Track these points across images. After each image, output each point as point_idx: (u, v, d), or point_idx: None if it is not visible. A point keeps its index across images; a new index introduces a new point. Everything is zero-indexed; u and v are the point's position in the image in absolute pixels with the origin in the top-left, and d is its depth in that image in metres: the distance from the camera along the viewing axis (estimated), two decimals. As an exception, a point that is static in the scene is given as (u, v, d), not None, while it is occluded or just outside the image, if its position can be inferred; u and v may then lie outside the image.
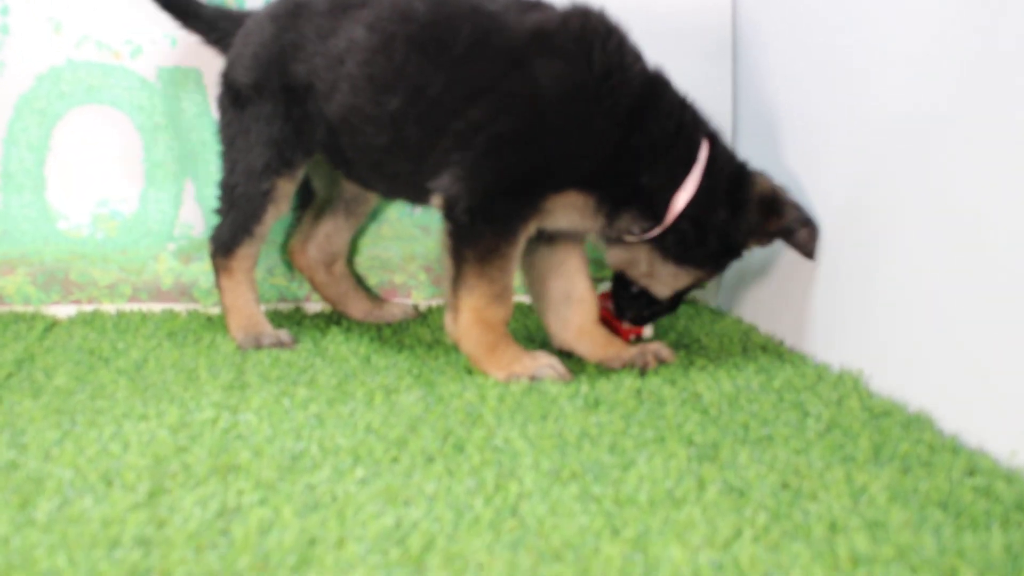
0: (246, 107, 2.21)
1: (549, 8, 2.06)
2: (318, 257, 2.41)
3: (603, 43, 1.99)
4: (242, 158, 2.21)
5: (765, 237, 2.10)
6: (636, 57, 2.02)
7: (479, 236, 1.96)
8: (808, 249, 2.08)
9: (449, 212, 1.97)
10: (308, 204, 2.42)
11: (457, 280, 1.97)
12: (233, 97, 2.23)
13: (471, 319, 1.97)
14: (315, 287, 2.45)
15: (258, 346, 2.20)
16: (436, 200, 1.99)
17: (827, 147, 2.12)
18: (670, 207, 2.02)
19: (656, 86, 2.03)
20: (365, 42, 2.07)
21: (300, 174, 2.23)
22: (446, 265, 1.99)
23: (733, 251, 2.11)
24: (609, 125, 1.97)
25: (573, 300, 2.12)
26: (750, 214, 2.06)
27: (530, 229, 2.00)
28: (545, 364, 1.97)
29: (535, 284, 2.16)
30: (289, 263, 2.51)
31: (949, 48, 1.74)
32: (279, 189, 2.21)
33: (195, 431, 1.67)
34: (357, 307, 2.44)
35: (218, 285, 2.27)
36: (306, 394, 1.86)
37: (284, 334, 2.23)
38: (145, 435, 1.64)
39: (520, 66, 1.98)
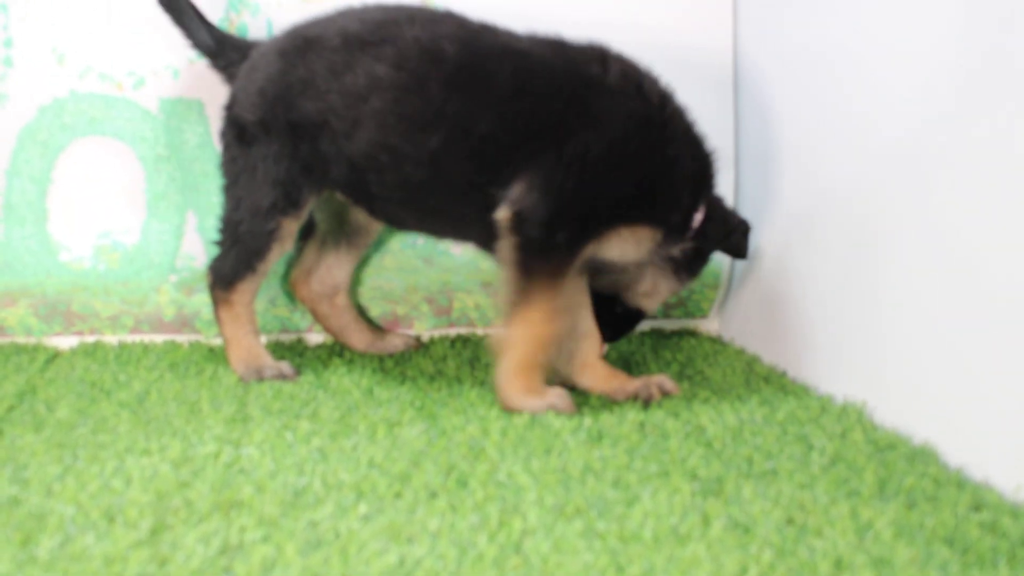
0: (252, 145, 2.19)
1: (572, 46, 2.07)
2: (320, 289, 2.41)
3: (646, 77, 2.05)
4: (247, 196, 2.20)
5: None
6: None
7: (551, 250, 1.97)
8: (742, 249, 2.19)
9: (519, 225, 1.98)
10: (310, 236, 2.41)
11: (519, 293, 1.98)
12: (237, 133, 2.22)
13: (525, 334, 1.97)
14: (317, 319, 2.44)
15: (260, 378, 2.20)
16: (504, 212, 1.99)
17: (827, 177, 2.12)
18: (691, 223, 2.09)
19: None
20: (393, 81, 2.06)
21: (307, 212, 2.22)
22: (508, 279, 1.99)
23: (707, 259, 2.21)
24: (676, 151, 2.03)
25: (578, 334, 2.12)
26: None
27: (584, 258, 2.02)
28: (556, 395, 1.98)
29: None
30: (291, 294, 2.50)
31: (946, 76, 1.75)
32: (285, 228, 2.20)
33: (197, 466, 1.66)
34: (359, 338, 2.43)
35: (217, 317, 2.27)
36: (308, 428, 1.85)
37: (286, 366, 2.23)
38: (147, 470, 1.63)
39: (582, 105, 1.99)
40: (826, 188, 2.13)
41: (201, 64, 2.45)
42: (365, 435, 1.82)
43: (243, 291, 2.24)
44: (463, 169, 2.03)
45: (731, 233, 2.16)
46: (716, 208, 2.12)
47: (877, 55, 1.95)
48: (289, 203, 2.17)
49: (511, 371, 1.98)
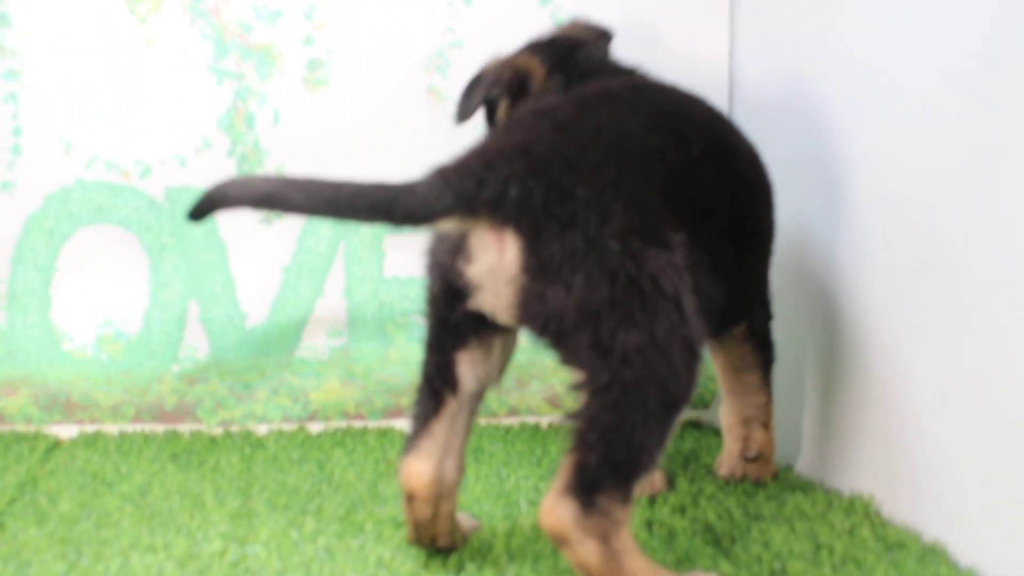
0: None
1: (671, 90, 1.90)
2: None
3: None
4: (670, 335, 1.45)
5: None
6: None
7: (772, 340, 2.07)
8: None
9: (757, 331, 2.05)
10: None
11: (763, 389, 2.08)
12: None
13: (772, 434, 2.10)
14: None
15: None
16: (742, 327, 2.02)
17: (829, 267, 2.12)
18: None
19: None
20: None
21: None
22: (754, 380, 2.07)
23: None
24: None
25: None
26: None
27: None
28: None
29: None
30: (294, 384, 2.49)
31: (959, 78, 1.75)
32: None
33: (203, 564, 1.64)
34: None
35: (605, 561, 1.42)
36: (314, 525, 1.84)
37: None
38: (153, 568, 1.62)
39: (751, 171, 1.90)
40: (831, 272, 2.13)
41: (208, 153, 2.47)
42: (372, 534, 1.80)
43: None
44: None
45: None
46: None
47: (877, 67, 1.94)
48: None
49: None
